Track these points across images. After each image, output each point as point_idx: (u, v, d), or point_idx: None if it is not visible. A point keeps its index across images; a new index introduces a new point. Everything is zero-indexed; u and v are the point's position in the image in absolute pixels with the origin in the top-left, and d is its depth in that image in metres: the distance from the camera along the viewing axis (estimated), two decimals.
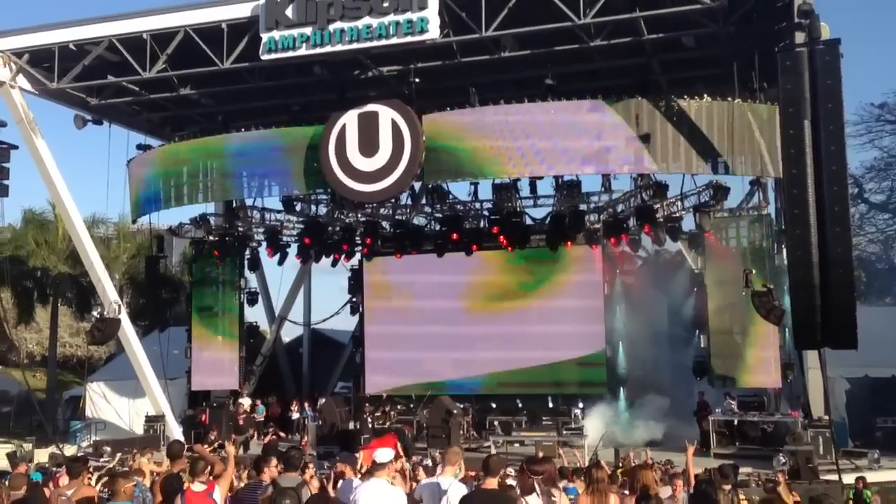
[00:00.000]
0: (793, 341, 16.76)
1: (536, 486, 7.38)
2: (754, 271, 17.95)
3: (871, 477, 16.27)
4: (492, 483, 7.39)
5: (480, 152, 19.83)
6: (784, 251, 18.44)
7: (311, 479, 9.34)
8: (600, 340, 24.83)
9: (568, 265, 25.00)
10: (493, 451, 19.72)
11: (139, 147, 24.10)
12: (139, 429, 24.57)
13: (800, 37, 15.33)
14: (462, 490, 7.31)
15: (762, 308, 17.51)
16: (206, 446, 14.80)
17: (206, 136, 22.67)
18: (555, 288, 25.59)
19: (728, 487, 9.07)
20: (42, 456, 19.30)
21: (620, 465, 14.47)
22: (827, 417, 17.39)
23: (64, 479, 10.98)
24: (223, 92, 22.45)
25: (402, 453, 11.72)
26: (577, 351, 25.17)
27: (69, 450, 21.00)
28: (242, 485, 9.93)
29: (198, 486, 7.85)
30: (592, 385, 24.60)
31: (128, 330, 23.36)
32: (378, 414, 23.43)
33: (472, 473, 9.78)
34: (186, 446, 12.53)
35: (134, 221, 26.35)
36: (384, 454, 7.90)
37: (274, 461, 9.02)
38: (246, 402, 24.99)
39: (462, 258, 24.67)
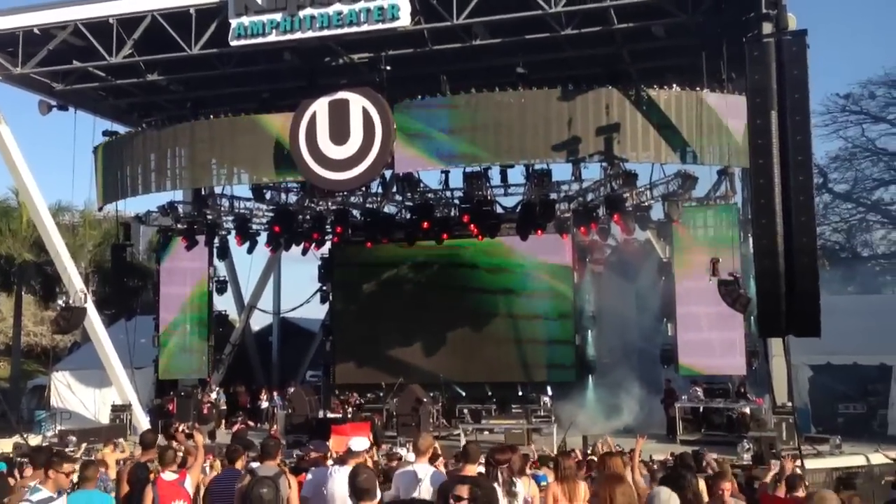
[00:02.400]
0: (758, 329, 17.00)
1: (499, 475, 7.44)
2: (721, 260, 18.16)
3: (833, 462, 16.62)
4: (471, 470, 7.45)
5: (451, 141, 19.84)
6: (750, 240, 18.67)
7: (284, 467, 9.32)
8: (569, 329, 25.06)
9: (538, 254, 25.19)
10: (463, 438, 19.82)
11: (105, 133, 23.74)
12: (105, 418, 24.35)
13: (767, 27, 15.50)
14: (440, 478, 7.34)
15: (728, 296, 17.74)
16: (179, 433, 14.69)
17: (174, 123, 22.39)
18: (525, 276, 25.79)
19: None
20: (6, 446, 19.06)
21: (589, 453, 14.58)
22: (790, 404, 17.70)
23: (29, 470, 10.87)
24: (192, 78, 22.20)
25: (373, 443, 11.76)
26: (546, 339, 25.41)
27: (34, 440, 20.75)
28: (214, 474, 9.90)
29: (169, 476, 7.83)
30: (561, 373, 24.83)
31: (94, 318, 23.10)
32: (348, 403, 23.40)
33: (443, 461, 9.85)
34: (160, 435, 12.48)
35: (100, 209, 25.99)
36: (360, 443, 7.92)
37: (244, 452, 9.01)
38: (212, 393, 24.86)
39: (433, 247, 24.70)
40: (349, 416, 21.76)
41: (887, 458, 15.83)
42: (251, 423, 24.52)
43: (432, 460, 9.47)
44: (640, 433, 11.59)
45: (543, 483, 8.44)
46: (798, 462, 11.18)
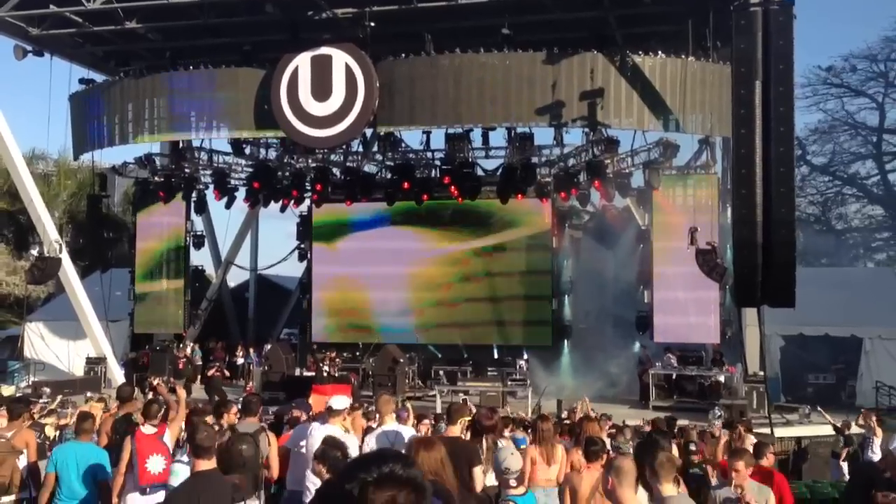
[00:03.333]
0: (733, 298, 17.18)
1: (484, 440, 7.49)
2: (699, 229, 18.27)
3: (802, 431, 16.93)
4: (453, 430, 7.49)
5: (433, 101, 19.68)
6: (729, 210, 18.77)
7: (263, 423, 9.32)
8: (546, 292, 25.17)
9: (517, 217, 25.20)
10: (439, 400, 19.95)
11: (82, 81, 23.29)
12: (79, 371, 24.24)
13: None
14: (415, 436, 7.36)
15: (705, 265, 17.88)
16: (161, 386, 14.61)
17: (153, 73, 21.99)
18: (503, 239, 25.80)
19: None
20: None
21: (564, 417, 14.73)
22: (762, 373, 17.97)
23: (3, 421, 10.80)
24: (171, 27, 21.74)
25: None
26: (523, 303, 25.50)
27: (7, 390, 20.61)
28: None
29: (148, 429, 7.80)
30: (537, 337, 24.98)
31: (69, 270, 22.88)
32: (324, 361, 23.44)
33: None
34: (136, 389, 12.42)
35: (76, 158, 25.62)
36: (340, 401, 7.91)
37: (234, 408, 9.00)
38: (187, 347, 24.76)
39: (412, 207, 24.61)
40: (325, 374, 21.78)
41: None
42: (227, 372, 24.41)
43: (402, 420, 9.54)
44: (587, 396, 11.62)
45: (522, 446, 8.51)
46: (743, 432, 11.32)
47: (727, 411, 17.83)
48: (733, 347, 21.15)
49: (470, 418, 8.50)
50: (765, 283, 14.04)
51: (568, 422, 13.14)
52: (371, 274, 26.01)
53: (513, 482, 5.83)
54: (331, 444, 5.83)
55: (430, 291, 26.11)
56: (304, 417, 9.92)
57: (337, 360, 23.31)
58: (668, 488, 4.41)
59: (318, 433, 7.49)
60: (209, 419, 10.90)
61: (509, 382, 21.42)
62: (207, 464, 5.61)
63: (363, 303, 26.50)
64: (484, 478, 6.73)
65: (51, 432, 9.73)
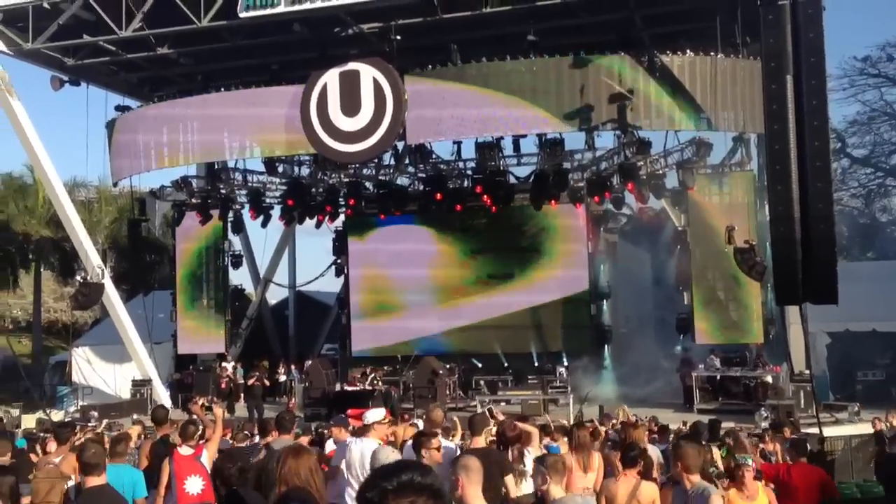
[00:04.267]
0: (774, 297, 16.87)
1: (509, 453, 7.44)
2: (737, 227, 17.99)
3: (852, 430, 16.52)
4: (478, 442, 7.44)
5: (462, 110, 19.69)
6: (766, 207, 18.47)
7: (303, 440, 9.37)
8: (584, 298, 24.95)
9: (552, 223, 25.04)
10: (480, 410, 19.87)
11: (118, 108, 23.75)
12: (126, 393, 24.61)
13: None
14: (452, 451, 7.32)
15: (744, 264, 17.61)
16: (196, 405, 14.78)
17: (185, 97, 22.34)
18: (539, 246, 25.65)
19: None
20: (29, 421, 19.34)
21: (608, 422, 14.56)
22: (808, 372, 17.60)
23: (52, 445, 10.98)
24: (202, 51, 22.11)
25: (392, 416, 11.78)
26: (561, 308, 25.31)
27: (56, 415, 21.03)
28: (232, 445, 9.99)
29: (185, 450, 7.86)
30: (577, 343, 24.77)
31: (112, 294, 23.27)
32: (362, 375, 23.50)
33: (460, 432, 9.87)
34: (171, 409, 12.56)
35: (115, 184, 26.08)
36: (375, 413, 7.88)
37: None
38: (228, 365, 24.98)
39: (446, 217, 24.60)
40: (364, 389, 21.82)
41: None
42: (266, 382, 24.51)
43: (447, 434, 9.50)
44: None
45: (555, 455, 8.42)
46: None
47: (774, 412, 17.51)
48: (778, 347, 20.77)
49: (494, 427, 8.45)
50: (806, 280, 13.77)
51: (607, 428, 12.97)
52: (405, 276, 25.98)
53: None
54: (226, 456, 5.91)
55: (468, 302, 26.04)
56: (341, 434, 9.93)
57: (376, 374, 23.23)
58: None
59: (356, 447, 7.49)
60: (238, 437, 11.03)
61: (550, 390, 21.25)
62: (97, 480, 5.70)
63: (401, 316, 26.51)
64: (516, 487, 6.67)
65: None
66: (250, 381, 22.60)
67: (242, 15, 18.85)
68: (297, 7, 18.57)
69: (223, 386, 23.37)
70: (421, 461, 6.03)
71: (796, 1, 13.66)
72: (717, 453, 9.25)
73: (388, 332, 26.44)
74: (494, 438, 8.41)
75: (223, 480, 5.71)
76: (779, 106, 13.65)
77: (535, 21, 19.30)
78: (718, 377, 21.16)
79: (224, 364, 25.09)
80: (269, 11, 18.71)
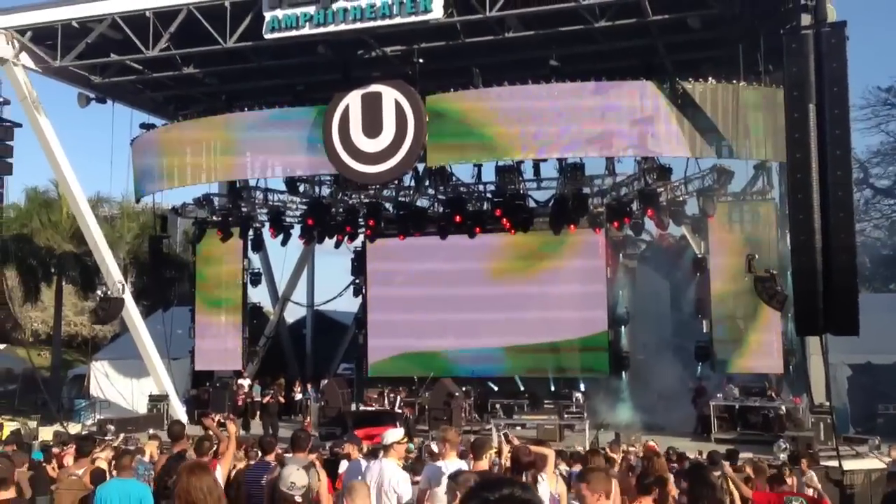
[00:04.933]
0: (795, 327, 16.70)
1: (524, 476, 7.38)
2: (757, 256, 17.87)
3: (872, 464, 16.25)
4: (481, 465, 7.39)
5: (485, 134, 19.76)
6: (787, 236, 18.35)
7: (317, 459, 9.35)
8: (603, 324, 24.82)
9: (571, 248, 24.97)
10: (495, 434, 19.72)
11: (143, 126, 24.06)
12: (143, 408, 24.69)
13: (805, 19, 15.18)
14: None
15: (765, 293, 17.47)
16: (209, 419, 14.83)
17: (209, 116, 22.60)
18: (558, 271, 25.57)
19: (717, 473, 9.06)
20: (46, 434, 19.44)
21: (617, 450, 14.45)
22: (828, 403, 17.36)
23: (68, 459, 11.04)
24: (227, 71, 22.38)
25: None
26: (579, 334, 25.17)
27: (73, 428, 21.15)
28: (242, 465, 9.97)
29: None
30: (594, 369, 24.62)
31: (131, 309, 23.42)
32: (378, 396, 23.44)
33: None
34: (187, 425, 12.57)
35: (137, 201, 26.35)
36: (394, 434, 7.80)
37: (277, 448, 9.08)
38: (245, 382, 25.03)
39: (465, 240, 24.62)
40: (380, 409, 21.77)
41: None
42: (282, 400, 24.51)
43: (463, 456, 9.44)
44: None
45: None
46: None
47: (793, 443, 17.27)
48: (798, 378, 20.53)
49: (496, 451, 8.40)
50: (827, 310, 13.62)
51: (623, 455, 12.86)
52: (425, 296, 25.96)
53: (297, 498, 5.94)
54: (164, 471, 6.00)
55: (486, 325, 25.97)
56: (354, 453, 9.91)
57: (391, 395, 23.16)
58: None
59: (374, 468, 7.47)
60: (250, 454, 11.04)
61: (566, 415, 21.11)
62: (5, 494, 5.74)
63: (418, 337, 26.48)
64: None
65: (104, 466, 9.92)
66: (266, 399, 22.63)
67: (268, 36, 19.08)
68: (321, 29, 18.77)
69: (240, 403, 23.39)
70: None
71: (820, 30, 13.64)
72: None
73: (405, 352, 26.42)
74: (498, 461, 8.38)
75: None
76: (801, 135, 13.58)
77: (557, 46, 19.42)
78: (737, 406, 20.93)
79: (241, 381, 25.16)
80: (293, 33, 18.93)
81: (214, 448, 8.89)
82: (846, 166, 13.73)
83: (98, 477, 8.81)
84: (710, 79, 18.46)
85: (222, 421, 14.09)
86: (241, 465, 9.83)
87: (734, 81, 18.22)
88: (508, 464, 8.16)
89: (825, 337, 15.18)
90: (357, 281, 28.18)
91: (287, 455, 9.38)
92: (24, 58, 21.89)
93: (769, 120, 17.77)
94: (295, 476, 6.04)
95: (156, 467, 9.54)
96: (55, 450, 13.25)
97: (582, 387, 23.53)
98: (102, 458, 11.79)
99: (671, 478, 9.11)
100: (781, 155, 16.45)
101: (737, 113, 18.02)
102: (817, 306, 13.64)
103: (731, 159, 19.84)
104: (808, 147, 13.56)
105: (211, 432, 9.33)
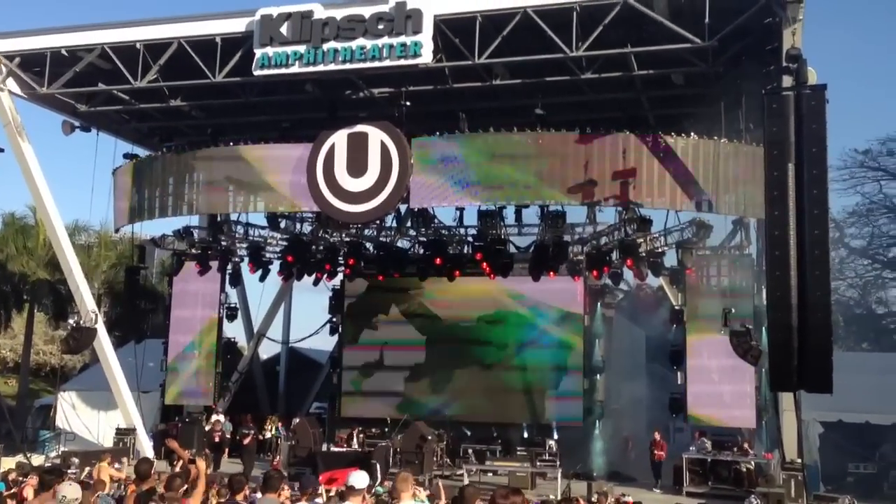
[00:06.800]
0: (769, 383, 16.79)
1: None
2: (733, 310, 18.02)
3: None
4: None
5: (467, 178, 19.89)
6: (764, 292, 18.53)
7: (286, 500, 9.22)
8: (578, 372, 24.85)
9: (549, 295, 25.07)
10: (466, 479, 19.58)
11: (126, 156, 23.95)
12: (109, 441, 24.25)
13: (787, 80, 15.50)
14: None
15: (740, 347, 17.57)
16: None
17: (193, 149, 22.58)
18: (535, 317, 25.65)
19: None
20: (9, 464, 18.98)
21: (594, 501, 14.37)
22: (800, 460, 17.40)
23: (28, 491, 10.74)
24: (214, 105, 22.45)
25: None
26: (554, 381, 25.19)
27: (37, 459, 20.68)
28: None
29: None
30: (569, 416, 24.58)
31: (103, 340, 23.12)
32: (349, 437, 23.24)
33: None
34: (155, 461, 12.37)
35: (116, 231, 26.15)
36: (359, 479, 7.69)
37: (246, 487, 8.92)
38: (221, 418, 24.66)
39: (444, 283, 24.66)
40: (354, 447, 21.56)
41: None
42: (261, 437, 24.13)
43: (432, 500, 9.35)
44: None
45: None
46: None
47: (764, 500, 17.24)
48: (770, 433, 20.58)
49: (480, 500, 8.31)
50: (801, 367, 13.70)
51: None
52: (399, 352, 25.98)
53: None
54: None
55: (461, 369, 25.94)
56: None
57: (364, 436, 22.98)
58: None
59: None
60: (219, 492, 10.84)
61: (539, 463, 20.98)
62: None
63: (392, 379, 26.38)
64: None
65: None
66: (245, 441, 22.22)
67: (257, 73, 19.19)
68: (310, 68, 18.90)
69: (216, 439, 22.97)
70: None
71: (801, 92, 13.94)
72: None
73: (378, 393, 26.28)
74: None
75: None
76: (780, 193, 13.79)
77: (543, 95, 19.67)
78: (709, 460, 20.91)
79: (216, 417, 24.78)
80: (282, 71, 19.06)
81: (185, 487, 8.73)
82: (823, 225, 13.92)
83: None
84: (692, 134, 18.75)
85: (192, 458, 13.86)
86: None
87: (715, 138, 18.53)
88: None
89: (799, 393, 15.27)
90: (334, 319, 28.04)
91: (256, 496, 9.25)
92: (11, 83, 21.86)
93: (749, 177, 18.03)
94: None
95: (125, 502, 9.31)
96: (13, 479, 12.92)
97: (555, 434, 23.45)
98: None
99: None
100: (760, 211, 16.70)
101: (717, 168, 18.29)
102: (792, 363, 13.72)
103: (710, 213, 20.08)
104: (787, 205, 13.76)
105: (176, 455, 9.11)
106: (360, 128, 20.11)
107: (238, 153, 21.66)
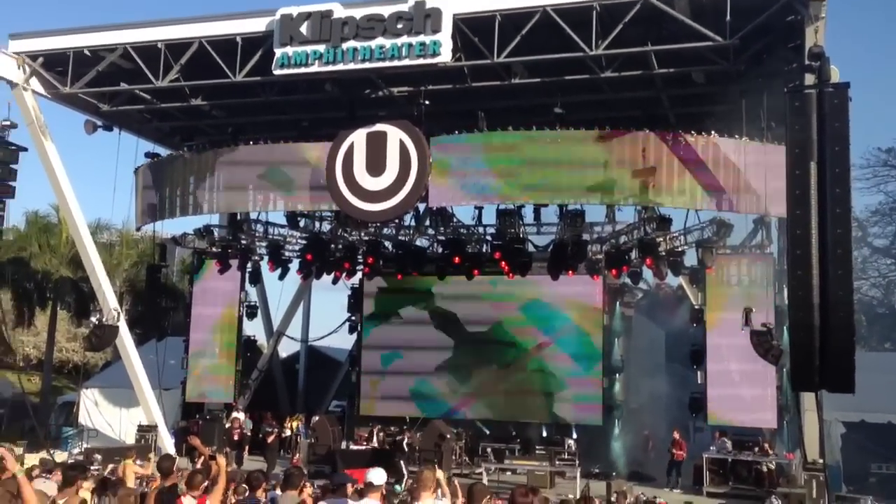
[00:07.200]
0: (790, 383, 16.67)
1: None
2: (754, 310, 17.90)
3: None
4: None
5: (486, 177, 19.89)
6: (785, 291, 18.40)
7: (307, 497, 9.26)
8: (597, 371, 24.78)
9: (568, 294, 25.02)
10: (485, 478, 19.60)
11: (147, 155, 24.17)
12: (131, 438, 24.45)
13: (809, 79, 15.38)
14: None
15: (760, 347, 17.46)
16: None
17: (214, 148, 22.72)
18: (554, 316, 25.60)
19: None
20: (32, 461, 19.18)
21: (613, 500, 14.35)
22: (821, 461, 17.27)
23: (50, 485, 10.85)
24: (234, 104, 22.57)
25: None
26: (573, 380, 25.14)
27: (60, 456, 20.88)
28: (234, 500, 9.88)
29: (189, 501, 7.82)
30: (588, 416, 24.53)
31: (125, 338, 23.29)
32: (368, 435, 23.33)
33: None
34: (177, 458, 12.47)
35: (138, 230, 26.37)
36: (378, 476, 7.74)
37: (264, 483, 8.98)
38: (241, 416, 24.84)
39: (463, 282, 24.67)
40: (373, 447, 21.64)
41: None
42: (283, 436, 24.29)
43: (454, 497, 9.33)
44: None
45: None
46: None
47: (785, 500, 17.16)
48: (792, 433, 20.45)
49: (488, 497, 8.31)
50: (823, 367, 13.57)
51: None
52: (418, 351, 25.99)
53: None
54: None
55: (479, 368, 25.95)
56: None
57: (383, 434, 23.07)
58: None
59: None
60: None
61: (557, 462, 20.96)
62: None
63: (411, 377, 26.42)
64: None
65: (87, 496, 9.75)
66: (269, 439, 22.41)
67: (277, 72, 19.26)
68: (329, 67, 18.94)
69: (236, 437, 23.08)
70: None
71: (823, 90, 13.81)
72: None
73: (397, 392, 26.34)
74: None
75: None
76: (802, 192, 13.66)
77: (562, 94, 19.64)
78: (730, 460, 20.80)
79: (236, 414, 24.96)
80: (302, 70, 19.11)
81: (206, 483, 8.80)
82: (846, 224, 13.77)
83: None
84: (712, 132, 18.65)
85: (212, 455, 13.96)
86: (232, 500, 9.75)
87: (736, 136, 18.41)
88: None
89: (820, 393, 15.15)
90: (353, 318, 28.14)
91: (276, 493, 9.32)
92: (35, 83, 22.06)
93: (770, 175, 17.88)
94: None
95: (146, 501, 9.39)
96: (36, 475, 13.03)
97: (574, 434, 23.41)
98: (85, 488, 11.67)
99: None
100: (781, 210, 16.53)
101: (738, 167, 18.18)
102: (814, 363, 13.60)
103: (730, 212, 19.96)
104: (809, 204, 13.63)
105: (197, 452, 9.19)
106: (378, 127, 20.16)
107: (258, 153, 21.79)
